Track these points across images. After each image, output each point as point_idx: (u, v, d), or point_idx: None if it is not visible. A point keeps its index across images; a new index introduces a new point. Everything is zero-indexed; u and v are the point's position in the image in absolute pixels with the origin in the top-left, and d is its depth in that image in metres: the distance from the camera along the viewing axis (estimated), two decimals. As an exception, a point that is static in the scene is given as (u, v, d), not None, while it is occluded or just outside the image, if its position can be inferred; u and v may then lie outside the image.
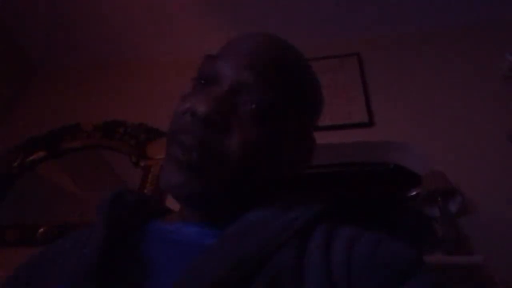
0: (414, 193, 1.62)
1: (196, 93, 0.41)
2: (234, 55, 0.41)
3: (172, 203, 0.52)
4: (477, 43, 1.82)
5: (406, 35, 1.96)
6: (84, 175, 1.90)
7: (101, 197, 0.42)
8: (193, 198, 0.38)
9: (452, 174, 1.34)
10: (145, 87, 2.08)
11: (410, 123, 1.62)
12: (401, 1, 1.88)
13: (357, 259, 0.32)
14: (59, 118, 1.98)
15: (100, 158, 1.89)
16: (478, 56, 1.77)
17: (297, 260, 0.32)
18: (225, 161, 0.37)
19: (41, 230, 1.54)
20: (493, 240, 1.23)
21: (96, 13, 2.03)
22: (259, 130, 0.38)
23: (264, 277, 0.30)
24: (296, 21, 1.98)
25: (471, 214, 1.31)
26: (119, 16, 2.04)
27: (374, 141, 1.62)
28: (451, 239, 1.21)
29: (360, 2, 1.90)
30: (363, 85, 1.79)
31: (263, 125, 0.39)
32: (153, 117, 1.82)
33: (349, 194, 2.21)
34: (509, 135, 1.43)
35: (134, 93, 2.06)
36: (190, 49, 2.08)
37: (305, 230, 0.35)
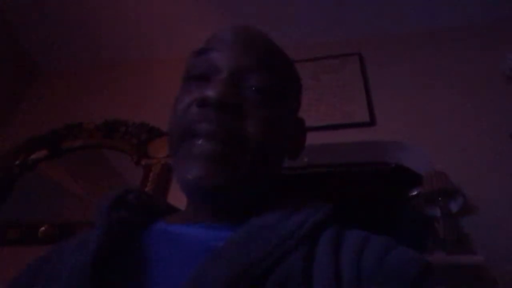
0: (415, 193, 1.62)
1: (192, 89, 0.41)
2: (227, 45, 0.42)
3: (175, 201, 0.51)
4: (478, 42, 1.82)
5: (407, 34, 1.95)
6: (85, 174, 1.91)
7: (101, 198, 0.41)
8: (216, 191, 0.36)
9: (454, 174, 1.34)
10: (147, 86, 2.08)
11: (411, 123, 1.61)
12: (403, 1, 1.88)
13: (366, 266, 0.32)
14: (61, 118, 1.98)
15: (101, 157, 1.89)
16: (479, 55, 1.76)
17: (305, 265, 0.31)
18: (245, 144, 0.37)
19: (43, 229, 1.54)
20: (494, 240, 1.23)
21: (98, 13, 2.04)
22: (268, 110, 0.39)
23: (272, 284, 0.30)
24: (297, 20, 1.98)
25: (472, 214, 1.31)
26: (121, 16, 2.04)
27: (375, 141, 1.62)
28: (452, 239, 1.20)
29: (361, 1, 1.89)
30: (365, 84, 1.79)
31: (270, 105, 0.40)
32: (154, 117, 1.82)
33: (350, 194, 2.21)
34: (511, 133, 1.43)
35: (135, 93, 2.06)
36: (192, 48, 2.08)
37: (312, 235, 0.35)
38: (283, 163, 0.46)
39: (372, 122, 1.65)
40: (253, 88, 0.39)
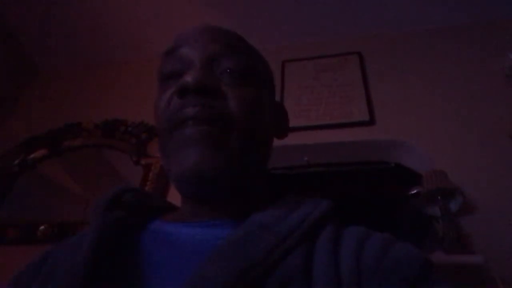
0: (414, 192, 1.62)
1: (170, 86, 0.41)
2: (194, 39, 0.42)
3: (174, 201, 0.51)
4: (478, 42, 1.81)
5: (407, 34, 1.95)
6: (85, 173, 1.91)
7: (98, 197, 0.41)
8: (213, 175, 0.36)
9: (453, 173, 1.33)
10: (146, 85, 2.08)
11: (411, 122, 1.61)
12: (403, 0, 1.87)
13: (366, 263, 0.32)
14: (61, 117, 1.98)
15: (101, 156, 1.89)
16: (480, 55, 1.76)
17: (305, 265, 0.31)
18: (230, 123, 0.37)
19: (42, 228, 1.54)
20: (493, 240, 1.23)
21: (97, 12, 2.03)
22: (245, 90, 0.40)
23: (272, 284, 0.29)
24: (297, 19, 1.97)
25: (472, 213, 1.31)
26: (120, 15, 2.04)
27: (375, 140, 1.62)
28: (452, 238, 1.20)
29: (361, 0, 1.89)
30: (364, 83, 1.79)
31: (247, 85, 0.41)
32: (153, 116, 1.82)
33: (349, 193, 2.21)
34: (510, 133, 1.43)
35: (134, 92, 2.06)
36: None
37: (311, 232, 0.35)
38: (271, 144, 0.46)
39: (371, 121, 1.64)
40: (228, 71, 0.40)
